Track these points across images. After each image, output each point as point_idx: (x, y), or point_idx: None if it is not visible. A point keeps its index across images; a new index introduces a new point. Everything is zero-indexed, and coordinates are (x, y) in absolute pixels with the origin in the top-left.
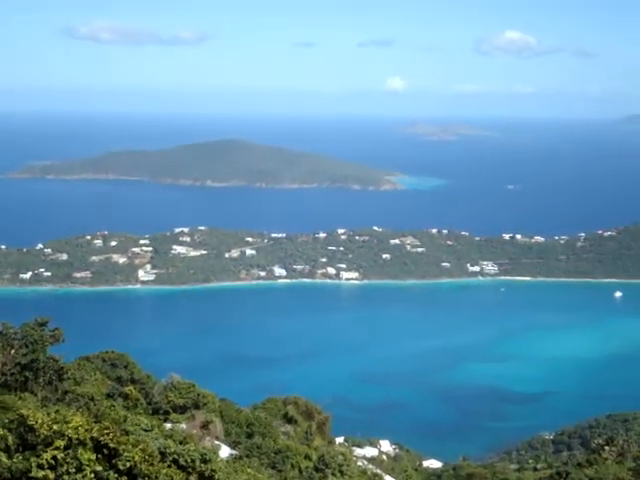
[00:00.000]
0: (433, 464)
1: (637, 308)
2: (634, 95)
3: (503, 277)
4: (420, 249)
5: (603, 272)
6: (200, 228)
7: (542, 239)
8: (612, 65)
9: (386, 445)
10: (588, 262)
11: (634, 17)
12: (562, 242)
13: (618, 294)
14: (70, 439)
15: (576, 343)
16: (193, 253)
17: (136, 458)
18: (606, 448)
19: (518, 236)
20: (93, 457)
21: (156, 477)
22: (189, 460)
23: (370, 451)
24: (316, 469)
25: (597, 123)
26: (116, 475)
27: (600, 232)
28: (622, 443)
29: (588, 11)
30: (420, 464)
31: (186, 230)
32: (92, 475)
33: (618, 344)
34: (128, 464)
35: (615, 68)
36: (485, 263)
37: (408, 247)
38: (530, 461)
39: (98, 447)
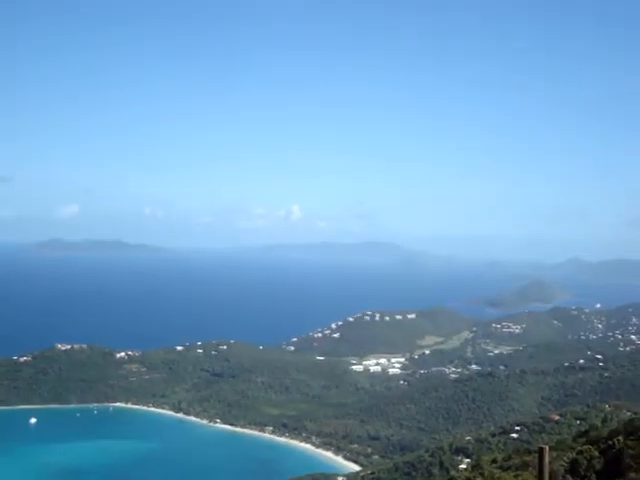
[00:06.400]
0: None
1: (53, 433)
2: (49, 219)
3: None
4: None
5: (18, 399)
6: None
7: None
8: (27, 190)
9: None
10: (2, 389)
11: (50, 142)
12: None
13: (33, 420)
14: None
15: None
16: None
17: None
18: None
19: None
20: None
21: None
22: None
23: None
24: None
25: (12, 246)
26: None
27: (15, 358)
28: None
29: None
30: None
31: None
32: None
33: (33, 473)
34: None
35: (30, 193)
36: None
37: None
38: None
39: None
